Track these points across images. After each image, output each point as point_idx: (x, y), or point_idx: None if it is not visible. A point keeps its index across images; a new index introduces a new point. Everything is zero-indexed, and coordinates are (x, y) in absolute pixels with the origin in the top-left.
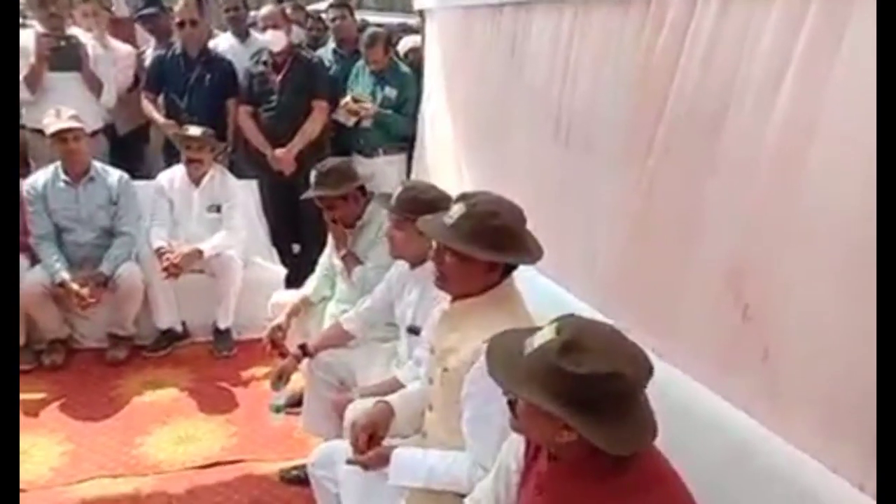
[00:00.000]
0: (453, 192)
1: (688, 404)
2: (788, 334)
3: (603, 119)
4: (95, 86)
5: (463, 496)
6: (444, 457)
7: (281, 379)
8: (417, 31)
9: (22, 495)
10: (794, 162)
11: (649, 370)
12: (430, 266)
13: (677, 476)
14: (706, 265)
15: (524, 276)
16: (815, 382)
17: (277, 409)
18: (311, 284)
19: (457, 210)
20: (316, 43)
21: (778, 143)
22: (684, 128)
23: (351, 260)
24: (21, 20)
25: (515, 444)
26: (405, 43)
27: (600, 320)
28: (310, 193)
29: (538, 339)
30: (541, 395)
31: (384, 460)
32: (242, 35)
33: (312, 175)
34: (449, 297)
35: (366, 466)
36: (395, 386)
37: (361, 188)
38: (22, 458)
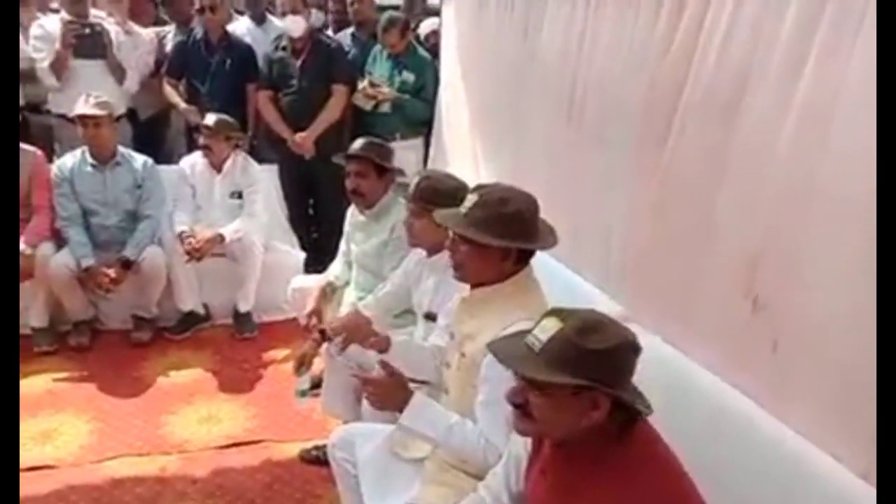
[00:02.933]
0: (470, 179)
1: (698, 392)
2: (798, 326)
3: (618, 105)
4: (118, 72)
5: (472, 476)
6: (464, 423)
7: (303, 365)
8: (438, 13)
9: (53, 472)
10: (810, 152)
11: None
12: (447, 254)
13: (675, 459)
14: (719, 255)
15: (540, 264)
16: (824, 374)
17: (303, 394)
18: (334, 269)
19: (470, 200)
20: (341, 25)
21: (794, 131)
22: (701, 114)
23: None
24: (48, 6)
25: None
26: (425, 26)
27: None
28: (356, 149)
29: (545, 333)
30: (574, 378)
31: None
32: (259, 19)
33: (358, 141)
34: (467, 286)
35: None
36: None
37: (393, 174)
38: (52, 435)
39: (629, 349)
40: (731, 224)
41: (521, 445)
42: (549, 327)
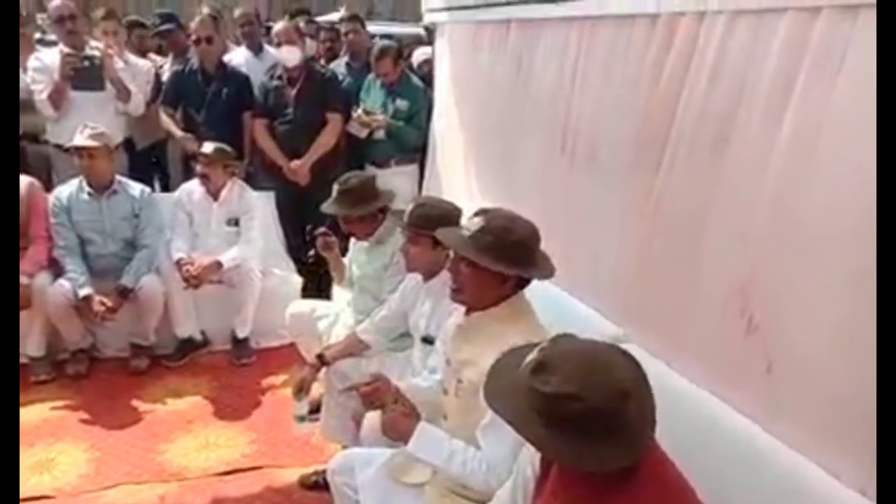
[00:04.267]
0: (464, 204)
1: (695, 413)
2: (792, 346)
3: (610, 134)
4: (124, 94)
5: (475, 501)
6: (465, 448)
7: (302, 390)
8: (430, 42)
9: (51, 502)
10: (799, 176)
11: (622, 395)
12: (443, 278)
13: (684, 481)
14: (712, 277)
15: (536, 286)
16: (818, 393)
17: (302, 419)
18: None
19: (475, 223)
20: (332, 55)
21: (784, 158)
22: (692, 142)
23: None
24: (43, 36)
25: (532, 452)
26: (418, 55)
27: (596, 340)
28: (329, 209)
29: (529, 356)
30: (514, 408)
31: (404, 419)
32: (256, 49)
33: (334, 189)
34: (462, 310)
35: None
36: None
37: (381, 204)
38: (49, 465)
39: (571, 400)
40: (723, 247)
41: (528, 466)
42: (534, 353)
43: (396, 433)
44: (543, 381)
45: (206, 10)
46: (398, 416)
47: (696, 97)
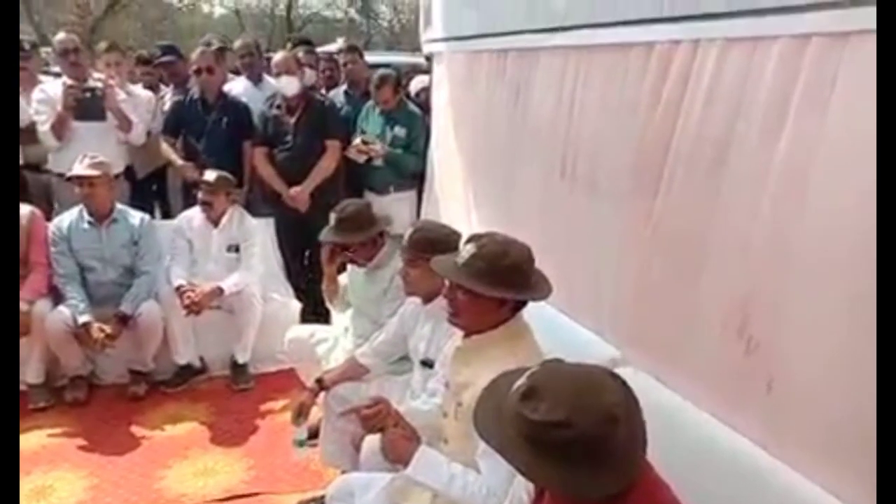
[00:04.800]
0: (462, 229)
1: (694, 433)
2: (791, 366)
3: (608, 159)
4: (125, 124)
5: None
6: (465, 472)
7: (301, 415)
8: (427, 71)
9: None
10: (796, 197)
11: (610, 420)
12: (441, 301)
13: (674, 497)
14: (711, 299)
15: (537, 308)
16: (818, 413)
17: (301, 444)
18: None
19: (468, 250)
20: (332, 84)
21: (780, 180)
22: (689, 166)
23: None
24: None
25: None
26: (415, 83)
27: (586, 364)
28: (328, 238)
29: (518, 381)
30: (503, 434)
31: (404, 441)
32: (256, 79)
33: (332, 218)
34: (461, 333)
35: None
36: None
37: (380, 229)
38: (47, 492)
39: (560, 427)
40: (721, 268)
41: (523, 490)
42: (522, 379)
43: (396, 455)
44: (532, 407)
45: (215, 42)
46: (399, 439)
47: (692, 122)
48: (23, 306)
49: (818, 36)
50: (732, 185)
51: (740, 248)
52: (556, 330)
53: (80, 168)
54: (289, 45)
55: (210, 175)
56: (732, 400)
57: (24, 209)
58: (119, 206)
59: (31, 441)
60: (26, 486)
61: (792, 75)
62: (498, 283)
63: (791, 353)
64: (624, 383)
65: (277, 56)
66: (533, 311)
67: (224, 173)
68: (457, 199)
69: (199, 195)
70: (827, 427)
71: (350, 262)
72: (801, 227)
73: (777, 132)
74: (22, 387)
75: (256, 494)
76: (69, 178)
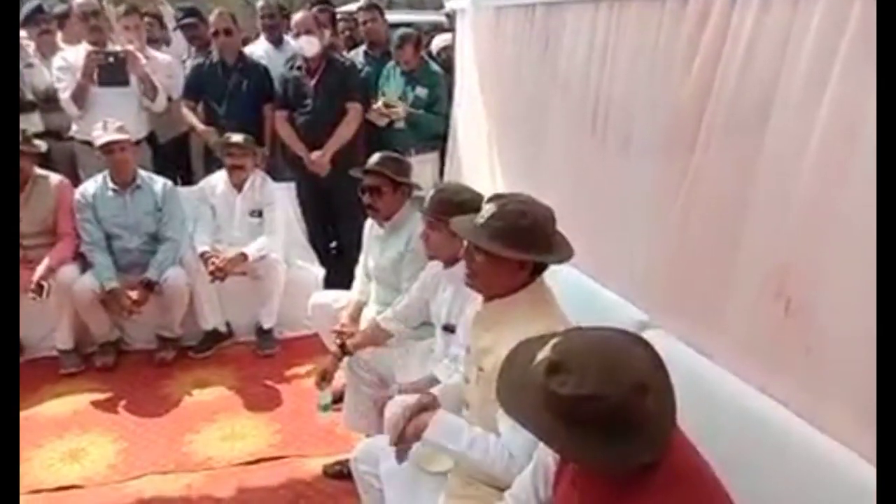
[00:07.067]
0: (486, 191)
1: (730, 399)
2: (830, 330)
3: (641, 114)
4: (151, 91)
5: (497, 488)
6: (485, 435)
7: (325, 379)
8: (449, 29)
9: (80, 492)
10: (838, 158)
11: (640, 390)
12: (463, 265)
13: (708, 468)
14: (749, 261)
15: (562, 272)
16: (856, 377)
17: (325, 408)
18: (357, 287)
19: (487, 210)
20: (352, 44)
21: (822, 138)
22: (728, 123)
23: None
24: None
25: None
26: (437, 42)
27: (611, 330)
28: (372, 165)
29: (540, 353)
30: (530, 409)
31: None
32: (277, 41)
33: (375, 156)
34: (481, 297)
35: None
36: (433, 382)
37: (409, 188)
38: (80, 455)
39: (592, 401)
40: (759, 231)
41: (549, 454)
42: (544, 350)
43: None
44: (559, 382)
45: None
46: (422, 424)
47: (731, 75)
48: (44, 273)
49: None
50: (774, 143)
51: (781, 209)
52: (581, 293)
53: (106, 135)
54: (308, 3)
55: (237, 137)
56: (770, 363)
57: (53, 178)
58: (142, 172)
59: (64, 406)
60: (60, 448)
61: (839, 27)
62: (515, 244)
63: (830, 317)
64: (651, 349)
65: (297, 16)
66: (557, 273)
67: (247, 136)
68: (481, 160)
69: (230, 160)
70: (863, 390)
71: (370, 210)
72: (841, 188)
73: (822, 87)
74: (53, 352)
75: (283, 458)
76: (101, 147)
